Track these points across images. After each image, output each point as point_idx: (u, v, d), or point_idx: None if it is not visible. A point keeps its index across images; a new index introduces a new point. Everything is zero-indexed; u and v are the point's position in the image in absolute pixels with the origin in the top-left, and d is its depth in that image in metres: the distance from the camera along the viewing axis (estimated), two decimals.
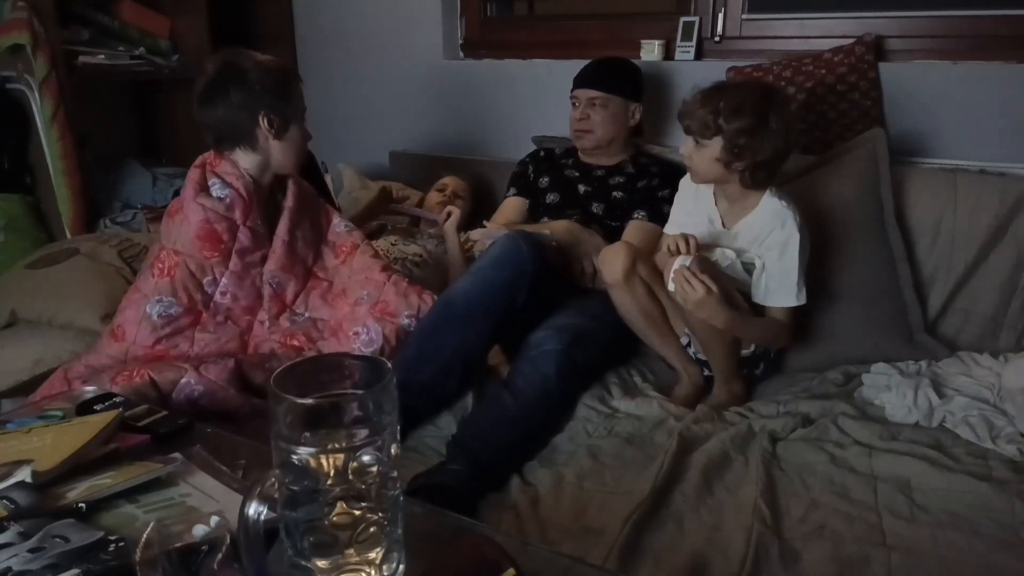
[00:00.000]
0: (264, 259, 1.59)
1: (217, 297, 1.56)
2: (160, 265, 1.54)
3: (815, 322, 1.74)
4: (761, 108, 1.50)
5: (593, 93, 1.95)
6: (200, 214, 1.53)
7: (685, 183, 1.75)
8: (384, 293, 1.67)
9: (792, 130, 1.55)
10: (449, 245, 1.97)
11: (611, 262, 1.61)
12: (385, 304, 1.64)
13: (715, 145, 1.53)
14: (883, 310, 1.75)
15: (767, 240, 1.57)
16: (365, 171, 2.54)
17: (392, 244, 1.96)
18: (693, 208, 1.70)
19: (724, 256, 1.59)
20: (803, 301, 1.57)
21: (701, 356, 1.66)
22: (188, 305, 1.54)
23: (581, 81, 1.99)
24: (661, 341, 1.69)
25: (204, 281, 1.55)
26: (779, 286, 1.57)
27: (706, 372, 1.68)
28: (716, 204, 1.66)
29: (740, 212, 1.62)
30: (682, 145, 1.62)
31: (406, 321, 1.64)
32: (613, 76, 1.98)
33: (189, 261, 1.53)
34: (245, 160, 1.59)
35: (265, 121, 1.56)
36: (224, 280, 1.56)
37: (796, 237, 1.54)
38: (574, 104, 2.00)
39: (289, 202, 1.65)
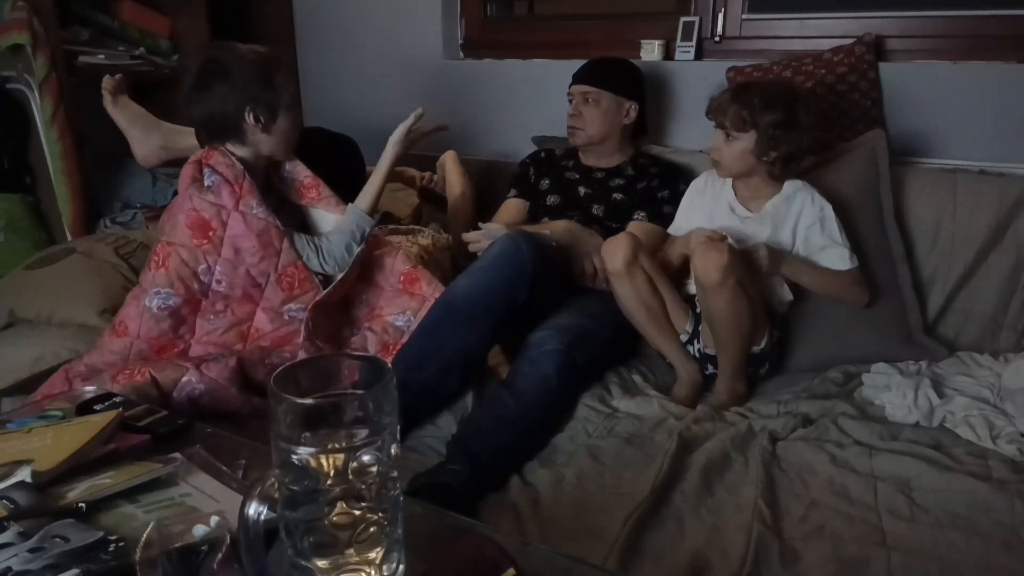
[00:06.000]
0: (267, 245, 1.58)
1: (214, 285, 1.57)
2: (156, 258, 1.56)
3: (815, 322, 1.74)
4: (791, 103, 1.61)
5: (585, 88, 1.96)
6: (188, 203, 1.55)
7: (697, 183, 1.81)
8: (381, 298, 1.70)
9: (814, 127, 1.64)
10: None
11: (613, 251, 1.62)
12: (380, 308, 1.70)
13: (748, 139, 1.62)
14: (883, 310, 1.75)
15: (801, 217, 1.66)
16: None
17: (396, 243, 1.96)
18: (713, 204, 1.75)
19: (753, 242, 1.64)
20: (856, 264, 1.65)
21: (709, 351, 1.66)
22: (186, 295, 1.54)
23: (576, 77, 2.00)
24: (659, 335, 1.69)
25: (199, 270, 1.55)
26: (830, 255, 1.65)
27: (708, 370, 1.68)
28: (736, 195, 1.73)
29: (764, 198, 1.70)
30: (710, 140, 1.70)
31: (390, 317, 1.66)
32: (606, 73, 1.99)
33: (181, 250, 1.54)
34: (237, 151, 1.60)
35: (251, 116, 1.56)
36: (218, 268, 1.56)
37: (829, 206, 1.65)
38: (570, 101, 2.01)
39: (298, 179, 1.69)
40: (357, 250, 1.65)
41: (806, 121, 1.61)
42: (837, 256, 1.65)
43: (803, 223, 1.66)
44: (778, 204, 1.68)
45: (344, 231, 1.65)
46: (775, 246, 1.64)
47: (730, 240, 1.55)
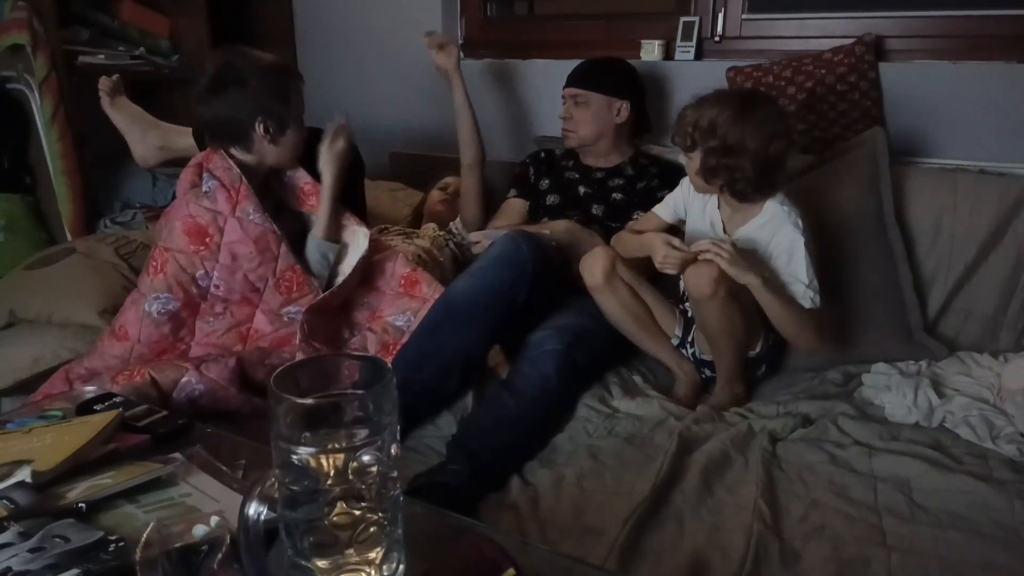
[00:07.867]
0: (265, 250, 1.57)
1: (212, 290, 1.57)
2: (154, 263, 1.56)
3: None
4: (736, 125, 1.46)
5: (575, 91, 1.97)
6: (185, 209, 1.55)
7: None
8: (382, 301, 1.70)
9: (779, 137, 1.48)
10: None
11: (590, 267, 1.62)
12: (381, 310, 1.70)
13: (696, 158, 1.55)
14: (883, 310, 1.75)
15: (771, 245, 1.54)
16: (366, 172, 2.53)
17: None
18: (700, 214, 1.68)
19: None
20: (816, 305, 1.52)
21: (704, 356, 1.66)
22: (185, 300, 1.55)
23: (567, 80, 2.01)
24: (650, 341, 1.69)
25: (196, 275, 1.55)
26: (791, 291, 1.52)
27: (705, 373, 1.68)
28: (719, 208, 1.65)
29: (743, 219, 1.59)
30: None
31: (390, 318, 1.66)
32: (595, 74, 1.99)
33: (179, 256, 1.54)
34: (240, 156, 1.60)
35: (261, 127, 1.57)
36: (216, 274, 1.56)
37: (801, 240, 1.51)
38: (564, 103, 2.02)
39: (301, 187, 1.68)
40: (335, 267, 1.67)
41: (757, 145, 1.45)
42: (799, 294, 1.51)
43: (772, 252, 1.54)
44: (752, 229, 1.56)
45: (312, 260, 1.66)
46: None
47: (688, 248, 1.49)
